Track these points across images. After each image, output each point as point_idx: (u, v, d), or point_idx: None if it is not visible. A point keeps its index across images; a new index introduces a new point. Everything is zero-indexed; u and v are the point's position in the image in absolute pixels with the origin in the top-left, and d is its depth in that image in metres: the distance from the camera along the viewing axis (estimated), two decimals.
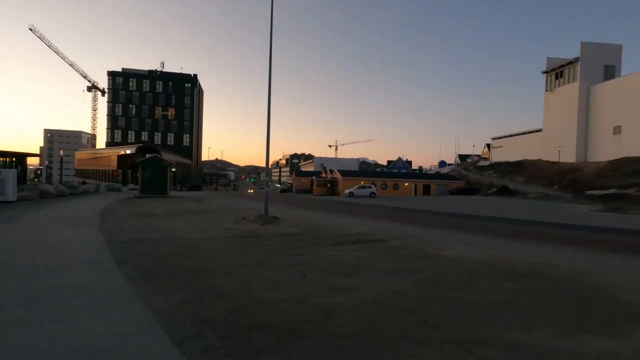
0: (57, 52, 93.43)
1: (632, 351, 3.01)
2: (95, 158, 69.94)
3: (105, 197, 22.73)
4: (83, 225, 9.72)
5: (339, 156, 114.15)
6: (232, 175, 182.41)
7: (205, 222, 10.78)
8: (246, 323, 3.44)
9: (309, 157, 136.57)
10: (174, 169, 58.99)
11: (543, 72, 54.92)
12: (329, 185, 51.05)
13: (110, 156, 61.19)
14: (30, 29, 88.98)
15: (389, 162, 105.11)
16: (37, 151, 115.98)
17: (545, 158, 51.80)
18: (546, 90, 54.87)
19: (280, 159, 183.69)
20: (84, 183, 48.65)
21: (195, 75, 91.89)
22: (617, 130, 43.35)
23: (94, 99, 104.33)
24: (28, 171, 63.34)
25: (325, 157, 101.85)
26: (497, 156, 65.22)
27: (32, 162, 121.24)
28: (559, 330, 3.42)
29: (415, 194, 48.72)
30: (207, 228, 9.70)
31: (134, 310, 3.73)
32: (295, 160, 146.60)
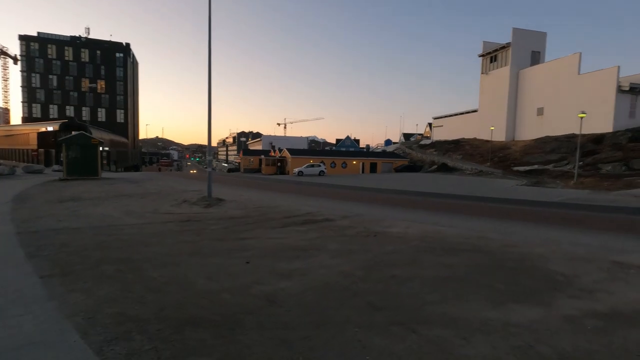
0: None
1: (557, 318, 3.24)
2: (9, 136, 61.34)
3: (22, 181, 20.03)
4: None
5: (288, 134, 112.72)
6: (174, 155, 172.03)
7: (140, 207, 9.91)
8: (181, 319, 3.12)
9: (257, 136, 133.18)
10: (106, 148, 53.94)
11: (479, 56, 58.26)
12: (278, 164, 50.35)
13: (28, 134, 54.03)
14: None
15: (338, 140, 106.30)
16: None
17: (480, 137, 55.88)
18: (482, 73, 58.49)
19: (227, 137, 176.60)
20: None
21: (128, 44, 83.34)
22: (540, 111, 47.88)
23: (4, 67, 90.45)
24: None
25: (274, 136, 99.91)
26: (438, 135, 68.94)
27: None
28: (493, 301, 3.59)
29: (363, 171, 50.00)
30: (143, 213, 8.92)
31: (45, 313, 3.21)
32: (242, 139, 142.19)
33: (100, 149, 21.66)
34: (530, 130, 48.40)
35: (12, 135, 60.57)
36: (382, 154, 57.94)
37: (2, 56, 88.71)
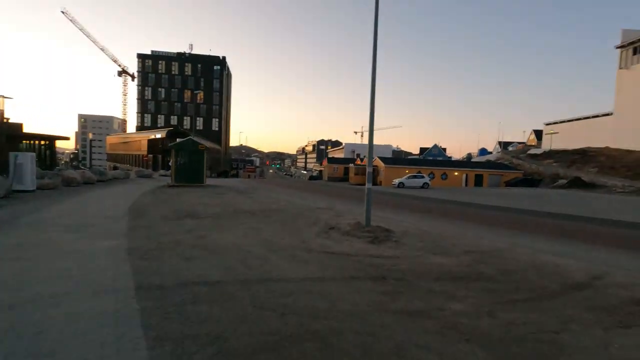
0: (88, 36, 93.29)
1: None
2: (126, 142, 68.96)
3: (135, 185, 20.01)
4: (103, 238, 6.53)
5: (364, 143, 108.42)
6: (257, 161, 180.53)
7: (278, 235, 7.32)
8: None
9: (336, 144, 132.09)
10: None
11: (617, 47, 47.80)
12: None
13: (140, 141, 59.69)
14: (62, 12, 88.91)
15: (423, 149, 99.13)
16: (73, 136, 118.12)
17: (615, 145, 45.50)
18: (620, 68, 47.89)
19: (306, 145, 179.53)
20: (115, 168, 47.10)
21: (224, 58, 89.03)
22: None
23: (124, 84, 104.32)
24: (64, 155, 63.49)
25: (357, 144, 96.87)
26: (550, 143, 58.76)
27: (67, 146, 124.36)
28: None
29: (466, 184, 43.89)
30: (290, 248, 6.22)
31: None
32: (322, 147, 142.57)
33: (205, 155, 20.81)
34: None
35: (128, 142, 67.97)
36: (487, 164, 50.70)
37: (123, 74, 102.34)
